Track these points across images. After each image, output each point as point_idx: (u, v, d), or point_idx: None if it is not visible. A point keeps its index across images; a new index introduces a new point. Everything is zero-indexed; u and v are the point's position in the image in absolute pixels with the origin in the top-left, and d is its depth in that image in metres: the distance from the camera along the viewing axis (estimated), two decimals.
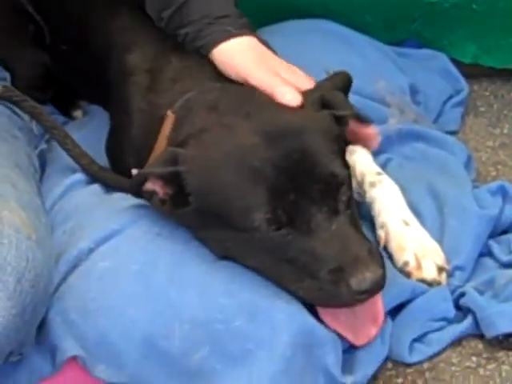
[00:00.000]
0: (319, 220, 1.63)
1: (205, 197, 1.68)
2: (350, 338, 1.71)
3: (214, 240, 1.72)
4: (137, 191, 1.73)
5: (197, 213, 1.70)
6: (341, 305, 1.66)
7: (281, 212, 1.63)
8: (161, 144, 1.81)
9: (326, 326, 1.70)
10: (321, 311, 1.70)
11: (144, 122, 1.90)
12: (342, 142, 1.77)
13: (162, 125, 1.82)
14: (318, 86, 1.84)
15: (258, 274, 1.71)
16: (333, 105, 1.77)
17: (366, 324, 1.71)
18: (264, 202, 1.62)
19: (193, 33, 1.90)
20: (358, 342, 1.71)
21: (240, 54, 1.85)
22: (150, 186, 1.70)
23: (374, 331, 1.72)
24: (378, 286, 1.62)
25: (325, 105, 1.77)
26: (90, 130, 2.12)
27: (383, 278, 1.63)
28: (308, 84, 1.83)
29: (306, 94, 1.78)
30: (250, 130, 1.69)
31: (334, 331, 1.70)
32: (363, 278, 1.59)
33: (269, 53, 1.89)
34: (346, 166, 1.72)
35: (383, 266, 1.63)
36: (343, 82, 1.85)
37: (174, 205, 1.71)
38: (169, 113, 1.81)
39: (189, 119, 1.77)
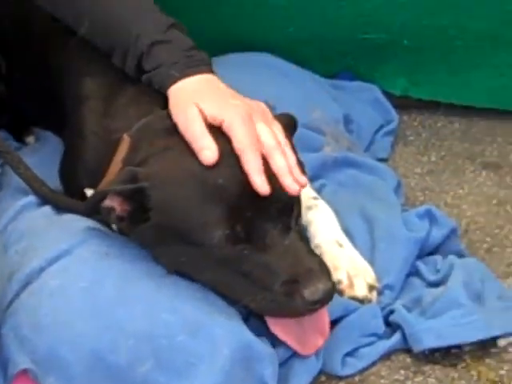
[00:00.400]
0: (274, 236, 1.65)
1: (166, 212, 1.67)
2: (298, 348, 1.71)
3: (169, 255, 1.71)
4: (94, 208, 1.71)
5: (155, 228, 1.69)
6: (294, 315, 1.67)
7: (239, 229, 1.64)
8: (116, 166, 1.79)
9: (270, 340, 1.72)
10: (270, 323, 1.70)
11: (98, 145, 1.89)
12: None
13: (116, 148, 1.80)
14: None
15: (210, 287, 1.71)
16: None
17: (313, 335, 1.72)
18: (223, 218, 1.63)
19: (148, 80, 1.86)
20: (305, 351, 1.72)
21: (179, 96, 1.80)
22: (108, 202, 1.69)
23: (320, 342, 1.72)
24: (329, 297, 1.64)
25: None
26: (42, 155, 2.11)
27: (333, 289, 1.64)
28: (235, 116, 1.74)
29: None
30: None
31: (283, 342, 1.71)
32: (316, 289, 1.61)
33: (212, 89, 1.82)
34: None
35: (332, 279, 1.65)
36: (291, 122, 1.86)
37: (131, 221, 1.70)
38: (125, 136, 1.80)
39: (146, 142, 1.76)
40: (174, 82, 1.81)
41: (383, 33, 2.46)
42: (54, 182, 1.99)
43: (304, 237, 1.75)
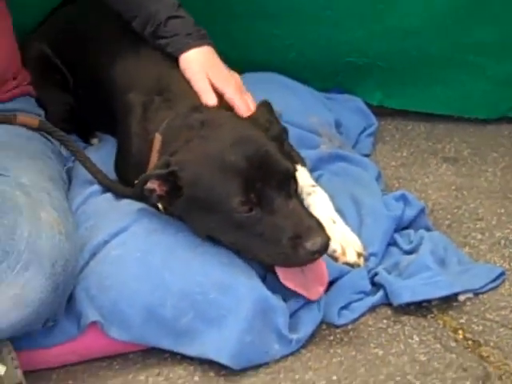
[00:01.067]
0: (279, 202, 1.65)
1: (194, 188, 1.68)
2: (305, 294, 1.70)
3: (200, 223, 1.72)
4: (140, 191, 1.71)
5: (188, 202, 1.69)
6: (299, 264, 1.66)
7: (252, 196, 1.64)
8: (154, 158, 1.80)
9: (282, 295, 1.71)
10: (281, 277, 1.69)
11: (140, 143, 1.88)
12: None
13: (152, 145, 1.81)
14: (260, 105, 1.87)
15: (233, 248, 1.71)
16: (273, 120, 1.84)
17: (315, 284, 1.71)
18: (239, 188, 1.64)
19: (166, 44, 1.96)
20: (311, 297, 1.71)
21: (193, 62, 1.93)
22: (149, 185, 1.70)
23: (321, 289, 1.71)
24: (326, 247, 1.64)
25: (269, 121, 1.82)
26: (104, 153, 2.08)
27: (328, 241, 1.64)
28: (234, 92, 1.90)
29: (255, 114, 1.83)
30: (223, 138, 1.70)
31: (293, 290, 1.69)
32: (315, 241, 1.61)
33: (215, 61, 1.95)
34: (293, 165, 1.75)
35: (327, 234, 1.64)
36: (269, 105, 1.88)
37: (169, 198, 1.71)
38: (156, 135, 1.81)
39: (173, 137, 1.77)
40: (188, 48, 1.93)
41: (363, 57, 2.45)
42: (112, 174, 1.98)
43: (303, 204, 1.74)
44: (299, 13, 2.37)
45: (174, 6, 1.97)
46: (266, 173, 1.65)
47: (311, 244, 1.61)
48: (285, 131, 1.91)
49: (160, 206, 1.80)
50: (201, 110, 1.84)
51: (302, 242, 1.61)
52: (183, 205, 1.71)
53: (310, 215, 1.68)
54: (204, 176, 1.67)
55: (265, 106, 1.86)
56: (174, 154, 1.72)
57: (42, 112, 2.04)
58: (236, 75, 1.98)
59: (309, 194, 1.94)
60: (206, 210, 1.68)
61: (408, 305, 1.77)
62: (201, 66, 1.91)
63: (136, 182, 1.73)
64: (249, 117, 1.82)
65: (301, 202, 1.73)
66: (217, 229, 1.70)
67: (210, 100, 1.86)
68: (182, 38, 1.94)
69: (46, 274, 1.55)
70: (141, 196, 1.74)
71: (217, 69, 1.93)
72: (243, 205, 1.64)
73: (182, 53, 1.93)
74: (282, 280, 1.69)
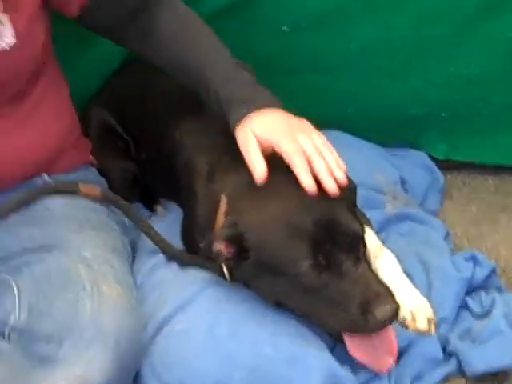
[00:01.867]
0: (348, 265, 1.61)
1: (261, 251, 1.64)
2: (374, 366, 1.67)
3: (267, 287, 1.68)
4: (207, 251, 1.69)
5: (255, 265, 1.66)
6: (368, 331, 1.62)
7: (321, 259, 1.60)
8: (220, 221, 1.76)
9: (351, 367, 1.68)
10: (349, 347, 1.66)
11: (206, 204, 1.85)
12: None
13: (218, 206, 1.78)
14: None
15: (300, 313, 1.68)
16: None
17: (384, 355, 1.66)
18: (308, 251, 1.60)
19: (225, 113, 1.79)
20: (380, 369, 1.67)
21: (248, 134, 1.71)
22: (217, 246, 1.67)
23: (391, 361, 1.67)
24: (395, 315, 1.60)
25: None
26: (168, 221, 2.06)
27: (398, 309, 1.60)
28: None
29: None
30: (291, 198, 1.66)
31: (361, 362, 1.66)
32: (384, 309, 1.57)
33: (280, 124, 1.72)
34: (362, 226, 1.70)
35: (396, 301, 1.61)
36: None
37: (236, 261, 1.68)
38: (223, 196, 1.78)
39: (238, 198, 1.74)
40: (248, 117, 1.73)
41: (424, 107, 2.39)
42: (177, 242, 1.96)
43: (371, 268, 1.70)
44: (355, 66, 2.33)
45: (231, 67, 1.80)
46: (335, 235, 1.62)
47: (380, 311, 1.57)
48: (355, 189, 1.83)
49: (226, 272, 1.77)
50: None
51: (370, 309, 1.58)
52: (250, 268, 1.68)
53: (379, 281, 1.64)
54: (271, 239, 1.64)
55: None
56: (241, 215, 1.69)
57: (103, 181, 2.04)
58: (304, 121, 1.76)
59: (376, 256, 1.89)
60: (274, 273, 1.65)
61: (484, 374, 1.72)
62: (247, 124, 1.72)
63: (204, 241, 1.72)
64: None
65: (369, 265, 1.69)
66: (285, 294, 1.67)
67: (259, 170, 1.67)
68: (237, 107, 1.75)
69: (109, 352, 1.52)
70: (207, 257, 1.71)
71: (267, 122, 1.71)
72: (312, 268, 1.61)
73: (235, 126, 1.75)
74: (349, 351, 1.66)
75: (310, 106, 2.20)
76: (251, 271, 1.68)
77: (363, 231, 1.69)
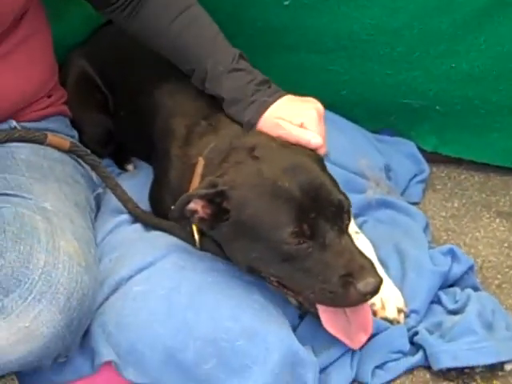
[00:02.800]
0: (332, 236, 1.57)
1: (243, 211, 1.59)
2: (347, 342, 1.64)
3: (243, 251, 1.63)
4: (180, 212, 1.63)
5: (233, 227, 1.61)
6: (348, 304, 1.59)
7: (305, 227, 1.56)
8: (195, 183, 1.72)
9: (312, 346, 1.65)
10: (324, 320, 1.62)
11: (180, 167, 1.81)
12: None
13: (194, 169, 1.73)
14: None
15: (275, 282, 1.64)
16: None
17: (358, 331, 1.64)
18: (292, 217, 1.56)
19: (228, 101, 1.81)
20: (353, 345, 1.64)
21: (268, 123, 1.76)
22: (192, 206, 1.62)
23: (364, 338, 1.64)
24: (378, 289, 1.56)
25: None
26: (137, 180, 2.02)
27: (381, 283, 1.56)
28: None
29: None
30: (277, 162, 1.62)
31: (334, 336, 1.63)
32: (367, 282, 1.54)
33: (285, 107, 1.78)
34: (348, 199, 1.65)
35: (380, 275, 1.57)
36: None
37: (211, 222, 1.62)
38: (200, 158, 1.73)
39: (218, 160, 1.69)
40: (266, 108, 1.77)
41: (420, 99, 2.35)
42: (145, 203, 1.92)
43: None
44: (356, 49, 2.28)
45: (235, 57, 1.83)
46: (321, 204, 1.57)
47: (364, 284, 1.53)
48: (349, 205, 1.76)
49: (196, 237, 1.72)
50: (250, 134, 1.76)
51: (353, 282, 1.53)
52: (226, 230, 1.62)
53: (363, 254, 1.59)
54: (255, 199, 1.59)
55: None
56: (221, 175, 1.64)
57: (75, 133, 1.98)
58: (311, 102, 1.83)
59: None
60: (252, 237, 1.59)
61: (449, 370, 1.67)
62: (284, 116, 1.76)
63: (178, 200, 1.64)
64: (302, 148, 1.72)
65: (352, 239, 1.63)
66: (261, 259, 1.61)
67: (313, 139, 1.72)
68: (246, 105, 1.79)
69: (59, 308, 1.47)
70: (179, 218, 1.65)
71: (291, 106, 1.79)
72: (295, 236, 1.55)
73: (260, 116, 1.78)
74: (324, 324, 1.62)
75: (302, 83, 2.17)
76: (228, 233, 1.63)
77: (349, 204, 1.64)
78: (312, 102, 1.81)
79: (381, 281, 1.55)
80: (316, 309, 1.62)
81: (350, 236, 1.62)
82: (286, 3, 2.21)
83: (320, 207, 1.57)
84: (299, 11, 2.22)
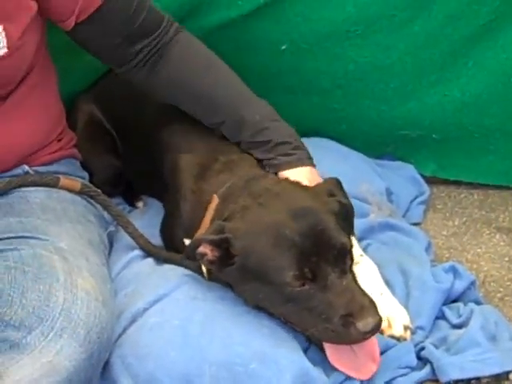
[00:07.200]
0: (333, 278, 1.62)
1: (247, 257, 1.66)
2: (354, 374, 1.67)
3: (250, 292, 1.70)
4: (191, 253, 1.70)
5: (239, 270, 1.67)
6: (349, 342, 1.64)
7: (306, 270, 1.62)
8: (207, 220, 1.78)
9: (323, 368, 1.68)
10: (330, 356, 1.67)
11: (193, 202, 1.87)
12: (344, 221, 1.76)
13: (207, 206, 1.80)
14: (324, 181, 1.85)
15: (282, 319, 1.69)
16: (336, 194, 1.78)
17: (367, 362, 1.68)
18: (294, 262, 1.62)
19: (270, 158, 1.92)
20: (362, 377, 1.68)
21: None
22: (202, 249, 1.68)
23: (374, 367, 1.68)
24: (377, 328, 1.61)
25: (331, 194, 1.77)
26: (148, 217, 2.09)
27: (381, 322, 1.61)
28: None
29: (317, 186, 1.80)
30: (280, 208, 1.68)
31: (342, 372, 1.67)
32: (367, 322, 1.59)
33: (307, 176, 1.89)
34: (349, 238, 1.71)
35: (379, 314, 1.62)
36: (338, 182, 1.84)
37: (220, 265, 1.69)
38: (214, 196, 1.80)
39: (231, 201, 1.75)
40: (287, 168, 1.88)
41: (416, 129, 2.41)
42: (156, 238, 1.97)
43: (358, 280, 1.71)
44: (351, 88, 2.34)
45: (273, 115, 1.96)
46: (322, 248, 1.63)
47: (363, 324, 1.59)
48: (351, 207, 1.84)
49: (204, 270, 1.78)
50: (265, 176, 1.84)
51: (353, 322, 1.59)
52: (234, 273, 1.69)
53: (364, 293, 1.65)
54: (258, 247, 1.65)
55: (332, 182, 1.83)
56: (229, 219, 1.70)
57: (85, 175, 2.04)
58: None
59: (356, 263, 1.89)
60: (258, 281, 1.66)
61: (456, 382, 1.71)
62: None
63: (188, 243, 1.72)
64: (310, 188, 1.79)
65: (355, 278, 1.69)
66: (267, 300, 1.68)
67: None
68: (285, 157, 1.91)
69: (80, 342, 1.52)
70: (191, 259, 1.72)
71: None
72: (297, 279, 1.62)
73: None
74: (329, 359, 1.67)
75: (302, 121, 2.21)
76: (235, 276, 1.69)
77: (351, 245, 1.70)
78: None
79: (380, 319, 1.61)
80: (321, 344, 1.68)
81: (353, 275, 1.68)
82: (283, 48, 2.27)
83: (321, 251, 1.63)
84: (295, 55, 2.29)
